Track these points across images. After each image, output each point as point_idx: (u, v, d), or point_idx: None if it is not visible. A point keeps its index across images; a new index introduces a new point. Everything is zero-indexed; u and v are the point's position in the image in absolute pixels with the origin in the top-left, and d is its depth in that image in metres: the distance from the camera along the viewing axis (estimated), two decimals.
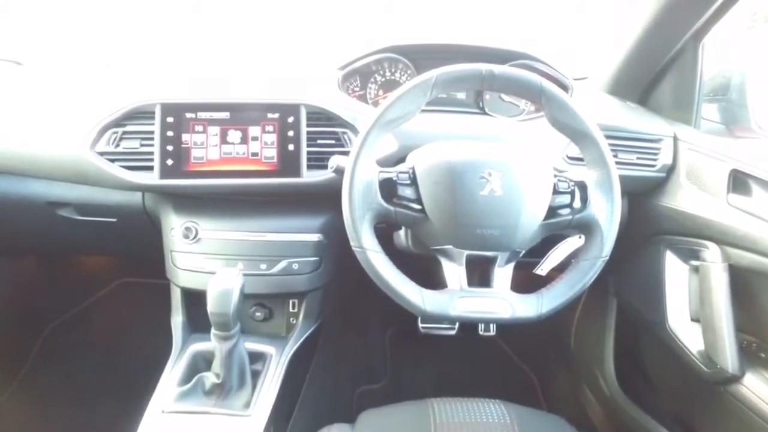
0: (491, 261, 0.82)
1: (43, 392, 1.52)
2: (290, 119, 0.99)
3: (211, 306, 0.86)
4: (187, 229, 1.03)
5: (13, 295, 1.51)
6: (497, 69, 0.81)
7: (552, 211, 0.82)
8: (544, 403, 1.57)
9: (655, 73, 1.16)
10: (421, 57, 1.20)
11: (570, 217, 0.82)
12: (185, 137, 0.97)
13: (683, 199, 1.04)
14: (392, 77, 1.23)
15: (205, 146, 0.97)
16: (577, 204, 0.82)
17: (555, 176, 0.84)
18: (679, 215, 1.03)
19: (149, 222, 1.12)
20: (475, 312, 0.78)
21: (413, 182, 0.81)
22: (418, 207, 0.80)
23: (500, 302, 0.79)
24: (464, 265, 0.81)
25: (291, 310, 1.12)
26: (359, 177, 0.78)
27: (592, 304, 1.41)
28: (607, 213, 0.81)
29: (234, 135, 0.98)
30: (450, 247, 0.80)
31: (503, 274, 0.82)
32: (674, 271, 1.06)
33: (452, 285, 0.81)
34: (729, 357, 0.90)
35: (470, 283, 0.81)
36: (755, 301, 0.93)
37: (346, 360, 1.58)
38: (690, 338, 1.00)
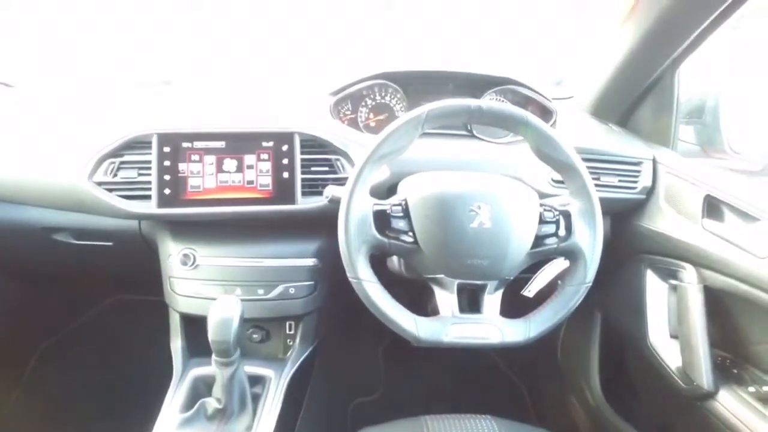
0: (481, 288, 0.86)
1: (37, 415, 1.52)
2: (284, 147, 1.02)
3: (212, 334, 0.88)
4: (186, 255, 1.05)
5: (2, 314, 1.51)
6: (485, 105, 0.84)
7: (538, 240, 0.86)
8: (533, 413, 1.62)
9: (635, 97, 1.22)
10: (411, 83, 1.24)
11: (555, 245, 0.86)
12: (182, 166, 0.99)
13: (662, 221, 1.09)
14: (382, 101, 1.26)
15: (202, 175, 1.00)
16: (562, 232, 0.87)
17: (541, 206, 0.88)
18: (658, 236, 1.08)
19: (146, 246, 1.14)
20: (467, 338, 0.82)
21: (406, 214, 0.85)
22: (411, 239, 0.84)
23: (490, 328, 0.83)
24: (456, 293, 0.84)
25: (288, 331, 1.15)
26: (354, 211, 0.81)
27: (578, 318, 1.45)
28: (590, 241, 0.86)
29: (230, 164, 1.01)
30: (442, 276, 0.84)
31: (492, 300, 0.86)
32: (655, 289, 1.11)
33: (444, 312, 0.84)
34: (704, 374, 0.95)
35: (461, 309, 0.85)
36: (729, 320, 0.98)
37: (341, 374, 1.61)
38: (669, 354, 1.05)
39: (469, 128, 1.26)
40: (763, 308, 0.87)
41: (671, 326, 1.07)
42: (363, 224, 0.81)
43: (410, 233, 0.84)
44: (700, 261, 0.98)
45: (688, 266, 1.00)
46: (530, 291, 1.03)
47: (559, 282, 1.07)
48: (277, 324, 1.14)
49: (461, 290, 0.85)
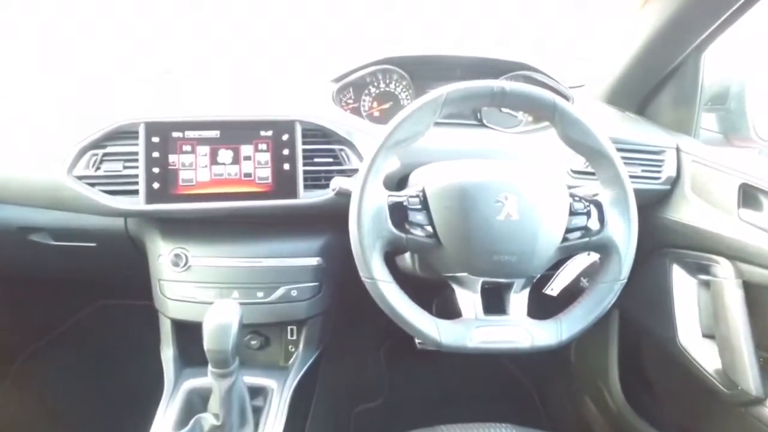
0: (506, 287, 0.79)
1: (17, 426, 1.41)
2: (285, 137, 0.94)
3: (208, 342, 0.79)
4: (177, 256, 0.97)
5: None
6: (509, 86, 0.77)
7: (568, 233, 0.79)
8: (545, 416, 1.55)
9: (655, 84, 1.15)
10: (417, 68, 1.16)
11: (587, 239, 0.79)
12: (172, 158, 0.90)
13: (689, 212, 1.02)
14: (387, 89, 1.19)
15: (194, 167, 0.91)
16: (593, 225, 0.79)
17: (570, 196, 0.81)
18: (685, 229, 1.02)
19: (132, 246, 1.05)
20: (494, 342, 0.75)
21: (424, 206, 0.77)
22: (431, 233, 0.76)
23: (519, 330, 0.76)
24: (479, 293, 0.77)
25: (289, 337, 1.06)
26: (368, 203, 0.73)
27: None
28: (625, 234, 0.79)
29: (225, 155, 0.93)
30: (465, 274, 0.76)
31: (519, 300, 0.79)
32: (682, 285, 1.04)
33: (467, 314, 0.77)
34: (751, 378, 0.88)
35: (485, 310, 0.77)
36: None
37: (342, 379, 1.53)
38: (704, 356, 0.98)
39: (479, 117, 1.19)
40: None
41: (703, 325, 1.00)
42: (378, 218, 0.73)
43: (430, 227, 0.76)
44: (736, 254, 0.91)
45: (722, 260, 0.93)
46: (553, 289, 0.96)
47: (582, 279, 1.01)
48: (278, 329, 1.06)
49: (485, 289, 0.78)
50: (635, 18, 1.08)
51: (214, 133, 0.92)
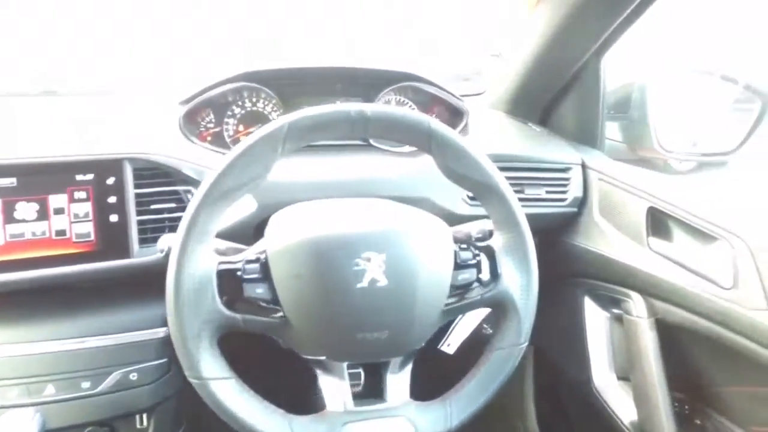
0: (381, 366, 0.63)
1: None
2: (110, 180, 0.75)
3: None
4: None
5: None
6: (370, 109, 0.60)
7: (455, 291, 0.64)
8: None
9: (557, 92, 1.03)
10: (285, 84, 0.98)
11: (478, 297, 0.65)
12: None
13: (598, 239, 0.91)
14: (254, 108, 1.00)
15: None
16: (485, 277, 0.65)
17: (455, 242, 0.66)
18: (595, 258, 0.90)
19: None
20: None
21: (266, 275, 0.59)
22: (275, 308, 0.58)
23: (398, 422, 0.60)
24: (347, 378, 0.61)
25: (138, 426, 0.85)
26: (188, 276, 0.55)
27: None
28: (523, 288, 0.65)
29: (26, 209, 0.72)
30: (323, 358, 0.60)
31: (399, 381, 0.64)
32: (595, 321, 0.93)
33: (333, 405, 0.61)
34: (664, 429, 0.77)
35: (357, 396, 0.61)
36: (689, 361, 0.81)
37: None
38: (619, 403, 0.86)
39: None
40: (731, 349, 0.70)
41: (617, 366, 0.89)
42: (201, 296, 0.55)
43: (274, 302, 0.58)
44: (648, 289, 0.80)
45: (635, 295, 0.82)
46: (450, 345, 0.82)
47: (485, 325, 0.88)
48: (123, 419, 0.85)
49: (354, 373, 0.62)
50: (531, 17, 0.96)
51: (9, 182, 0.72)
